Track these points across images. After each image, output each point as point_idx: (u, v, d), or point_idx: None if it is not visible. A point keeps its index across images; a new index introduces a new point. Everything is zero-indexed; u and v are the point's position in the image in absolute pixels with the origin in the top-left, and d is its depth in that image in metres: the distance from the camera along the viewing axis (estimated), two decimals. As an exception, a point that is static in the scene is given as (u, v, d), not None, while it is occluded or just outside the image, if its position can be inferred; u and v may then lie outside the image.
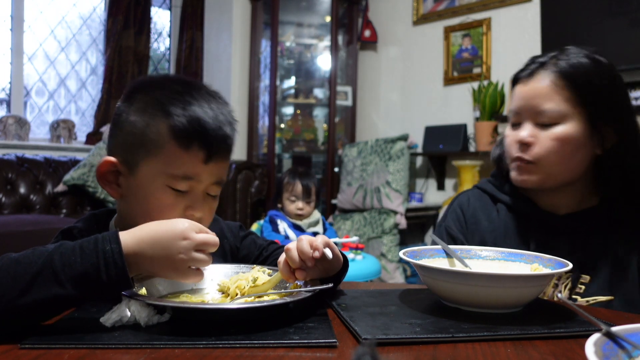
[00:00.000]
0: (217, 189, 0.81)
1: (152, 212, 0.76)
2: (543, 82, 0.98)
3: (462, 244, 1.09)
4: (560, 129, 0.97)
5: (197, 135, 0.75)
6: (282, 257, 0.77)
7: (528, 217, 1.06)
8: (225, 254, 0.96)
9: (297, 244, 0.75)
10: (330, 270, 0.81)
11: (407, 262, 0.84)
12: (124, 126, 0.78)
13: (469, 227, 1.11)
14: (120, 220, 0.84)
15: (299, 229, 2.57)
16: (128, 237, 0.65)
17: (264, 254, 1.01)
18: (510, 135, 1.03)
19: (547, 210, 1.04)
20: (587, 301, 0.96)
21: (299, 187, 2.59)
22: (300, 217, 2.62)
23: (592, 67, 1.00)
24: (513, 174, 1.03)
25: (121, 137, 0.79)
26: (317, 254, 0.74)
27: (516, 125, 1.03)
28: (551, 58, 1.02)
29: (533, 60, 1.04)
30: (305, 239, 0.76)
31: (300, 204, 2.60)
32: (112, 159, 0.78)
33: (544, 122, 0.98)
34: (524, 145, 0.99)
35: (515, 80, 1.05)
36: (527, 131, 0.99)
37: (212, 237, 0.69)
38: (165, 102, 0.76)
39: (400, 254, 0.83)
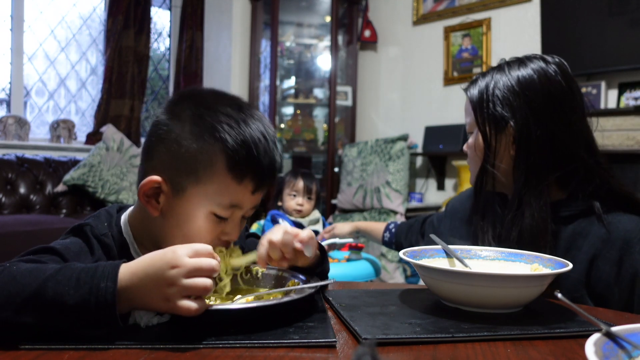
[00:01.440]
0: (252, 211, 0.81)
1: (191, 236, 0.76)
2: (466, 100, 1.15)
3: (435, 228, 1.22)
4: (472, 138, 1.12)
5: (251, 168, 0.74)
6: (265, 239, 0.79)
7: (493, 201, 1.10)
8: None
9: (281, 238, 0.78)
10: (301, 261, 0.82)
11: (407, 262, 0.84)
12: (172, 146, 0.75)
13: (446, 215, 1.25)
14: (139, 226, 0.82)
15: (300, 227, 2.58)
16: (125, 271, 0.62)
17: None
18: None
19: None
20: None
21: (300, 183, 2.62)
22: (300, 213, 2.62)
23: (487, 75, 1.10)
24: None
25: (169, 156, 0.76)
26: (299, 245, 0.78)
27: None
28: (472, 79, 1.15)
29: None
30: (292, 231, 0.79)
31: (300, 199, 2.61)
32: (157, 178, 0.75)
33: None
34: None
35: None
36: (468, 140, 1.14)
37: (205, 261, 0.62)
38: (220, 129, 0.73)
39: (400, 254, 0.83)
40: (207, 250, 0.64)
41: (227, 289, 0.78)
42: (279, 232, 0.78)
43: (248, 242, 1.02)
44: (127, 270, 0.62)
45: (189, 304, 0.61)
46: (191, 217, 0.76)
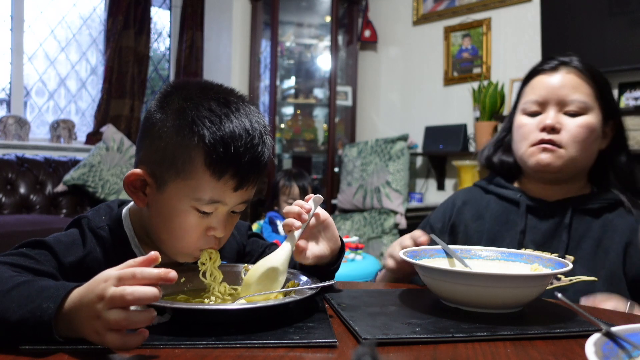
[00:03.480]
0: (242, 206, 0.80)
1: (175, 229, 0.77)
2: (569, 76, 1.05)
3: (439, 231, 1.17)
4: (586, 118, 1.03)
5: (230, 164, 0.73)
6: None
7: (517, 204, 1.11)
8: (232, 250, 0.97)
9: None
10: (330, 240, 0.84)
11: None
12: (155, 139, 0.75)
13: (453, 216, 1.18)
14: (139, 221, 0.83)
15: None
16: (73, 295, 0.58)
17: (267, 251, 1.02)
18: (530, 123, 1.07)
19: (537, 197, 1.10)
20: (571, 279, 1.00)
21: (295, 189, 2.60)
22: None
23: (600, 73, 1.09)
24: (537, 157, 1.05)
25: (152, 149, 0.76)
26: (309, 205, 0.80)
27: (535, 115, 1.07)
28: (567, 59, 1.09)
29: (550, 58, 1.11)
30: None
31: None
32: (139, 171, 0.76)
33: (570, 112, 1.04)
34: (552, 130, 1.03)
35: (534, 73, 1.11)
36: (555, 117, 1.04)
37: (120, 290, 0.55)
38: (201, 125, 0.72)
39: (401, 254, 0.83)
40: (130, 274, 0.56)
41: (221, 291, 0.78)
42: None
43: (250, 241, 1.02)
44: (75, 294, 0.58)
45: (115, 339, 0.54)
46: (174, 211, 0.75)
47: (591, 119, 1.03)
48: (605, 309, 0.83)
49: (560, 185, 1.08)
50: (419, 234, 0.95)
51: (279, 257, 0.77)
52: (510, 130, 1.16)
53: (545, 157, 1.04)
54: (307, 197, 0.83)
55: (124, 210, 0.85)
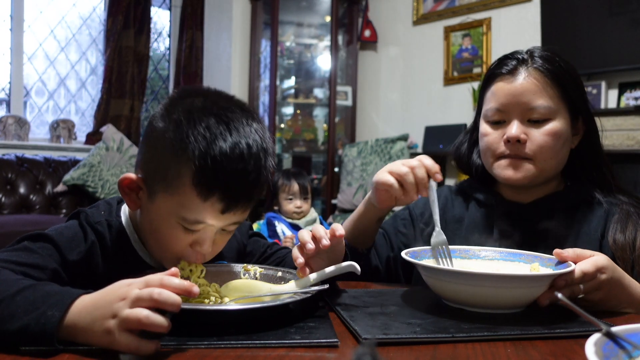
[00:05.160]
0: (234, 227, 0.78)
1: (160, 239, 0.76)
2: (529, 79, 0.97)
3: (418, 215, 1.12)
4: (553, 125, 0.97)
5: (218, 187, 0.70)
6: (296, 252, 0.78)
7: (493, 208, 1.07)
8: (232, 250, 0.97)
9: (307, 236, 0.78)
10: (335, 261, 0.82)
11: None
12: (152, 148, 0.74)
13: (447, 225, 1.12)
14: (135, 219, 0.83)
15: (297, 229, 2.57)
16: (80, 301, 0.58)
17: (268, 251, 1.02)
18: (493, 133, 1.01)
19: (512, 200, 1.06)
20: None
21: (295, 186, 2.60)
22: (299, 215, 2.62)
23: (566, 64, 1.01)
24: (503, 172, 1.00)
25: (147, 157, 0.75)
26: (325, 242, 0.76)
27: (498, 123, 1.01)
28: (526, 56, 1.02)
29: (507, 57, 1.04)
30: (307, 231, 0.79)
31: (298, 202, 2.61)
32: (134, 177, 0.75)
33: (535, 119, 0.97)
34: (517, 142, 0.97)
35: (491, 77, 1.03)
36: (518, 128, 0.97)
37: (146, 292, 0.56)
38: (193, 141, 0.69)
39: (403, 254, 0.83)
40: (157, 280, 0.58)
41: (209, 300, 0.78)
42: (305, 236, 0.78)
43: (252, 241, 1.02)
44: (81, 301, 0.58)
45: (129, 340, 0.54)
46: (161, 222, 0.74)
47: (558, 124, 0.97)
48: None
49: (535, 187, 1.03)
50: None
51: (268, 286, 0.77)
52: (474, 131, 1.12)
53: (512, 173, 0.98)
54: (331, 231, 0.78)
55: (123, 207, 0.85)
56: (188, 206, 0.71)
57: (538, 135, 0.96)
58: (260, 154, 0.73)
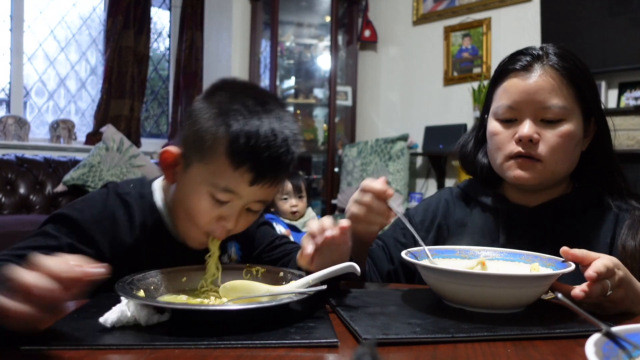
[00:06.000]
0: (259, 206, 0.83)
1: (189, 209, 0.82)
2: (545, 77, 0.94)
3: (418, 223, 1.10)
4: (567, 126, 0.93)
5: (248, 157, 0.76)
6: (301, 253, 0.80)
7: (498, 212, 1.04)
8: (240, 239, 0.98)
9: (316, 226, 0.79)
10: (339, 261, 0.81)
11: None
12: (192, 124, 0.81)
13: (439, 215, 1.10)
14: (167, 193, 0.90)
15: (294, 230, 2.57)
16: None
17: (276, 242, 1.04)
18: (504, 132, 0.97)
19: (518, 203, 1.03)
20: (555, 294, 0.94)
21: (288, 185, 2.60)
22: (295, 214, 2.61)
23: (580, 63, 0.98)
24: (514, 172, 0.96)
25: (188, 132, 0.81)
26: (330, 233, 0.77)
27: (509, 122, 0.97)
28: (541, 52, 0.98)
29: (520, 52, 1.00)
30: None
31: (293, 201, 2.60)
32: (174, 150, 0.82)
33: (548, 119, 0.94)
34: (529, 142, 0.93)
35: (503, 72, 1.00)
36: (531, 128, 0.93)
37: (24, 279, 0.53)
38: (232, 116, 0.77)
39: (403, 254, 0.83)
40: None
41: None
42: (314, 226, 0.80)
43: (261, 230, 1.03)
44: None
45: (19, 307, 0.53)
46: (192, 192, 0.80)
47: (571, 126, 0.94)
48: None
49: (542, 190, 1.01)
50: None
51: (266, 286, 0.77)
52: (480, 129, 1.09)
53: (522, 174, 0.95)
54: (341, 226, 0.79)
55: (156, 182, 0.92)
56: (220, 174, 0.77)
57: (551, 137, 0.93)
58: (290, 137, 0.80)
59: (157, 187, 0.92)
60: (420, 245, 0.88)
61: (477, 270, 0.85)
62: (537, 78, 0.94)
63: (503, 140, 0.98)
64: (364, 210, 0.89)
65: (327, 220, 0.79)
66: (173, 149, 0.83)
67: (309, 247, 0.77)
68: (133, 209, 0.88)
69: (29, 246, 0.77)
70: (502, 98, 0.98)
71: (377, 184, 0.88)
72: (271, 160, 0.78)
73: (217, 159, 0.77)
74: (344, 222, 0.78)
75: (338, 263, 0.78)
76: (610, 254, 0.94)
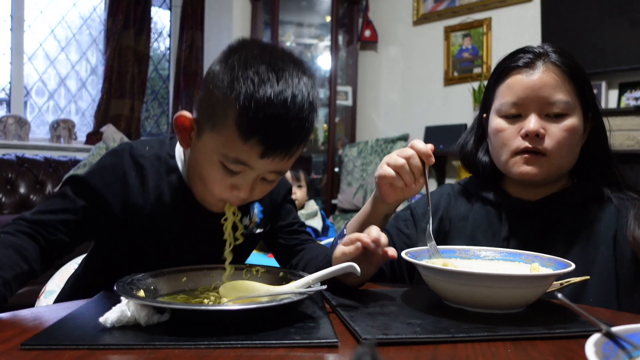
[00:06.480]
0: (274, 176, 0.80)
1: (203, 178, 0.81)
2: (548, 73, 0.96)
3: (420, 215, 1.11)
4: (571, 121, 0.96)
5: (258, 130, 0.72)
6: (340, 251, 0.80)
7: (500, 206, 1.05)
8: (265, 203, 0.96)
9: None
10: (364, 271, 0.81)
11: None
12: (206, 90, 0.78)
13: (441, 208, 1.11)
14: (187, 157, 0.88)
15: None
16: None
17: (295, 227, 1.03)
18: (509, 128, 0.99)
19: (519, 198, 1.04)
20: (561, 283, 0.92)
21: (287, 174, 2.60)
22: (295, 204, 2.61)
23: (577, 61, 1.01)
24: (521, 168, 0.97)
25: (201, 97, 0.79)
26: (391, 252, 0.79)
27: (514, 118, 0.98)
28: (542, 50, 1.01)
29: (521, 50, 1.02)
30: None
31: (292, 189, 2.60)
32: (187, 115, 0.79)
33: (553, 114, 0.96)
34: (535, 136, 0.95)
35: (505, 70, 1.01)
36: (537, 122, 0.95)
37: None
38: (242, 84, 0.72)
39: (403, 254, 0.83)
40: None
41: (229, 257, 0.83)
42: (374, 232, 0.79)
43: (287, 207, 1.03)
44: None
45: None
46: (204, 160, 0.79)
47: (575, 120, 0.96)
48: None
49: (544, 185, 1.02)
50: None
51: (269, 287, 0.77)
52: (479, 128, 1.10)
53: (529, 169, 0.96)
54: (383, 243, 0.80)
55: (177, 145, 0.90)
56: (229, 146, 0.74)
57: (557, 131, 0.95)
58: (304, 106, 0.75)
59: (180, 148, 0.89)
60: (430, 234, 0.90)
61: (476, 270, 0.85)
62: (541, 74, 0.96)
63: (509, 137, 0.99)
64: (400, 164, 0.91)
65: (379, 232, 0.79)
66: (187, 113, 0.79)
67: (364, 239, 0.77)
68: (147, 171, 0.86)
69: (48, 209, 0.82)
70: (506, 95, 0.99)
71: (424, 145, 0.92)
72: (282, 132, 0.73)
73: (227, 130, 0.73)
74: (391, 251, 0.79)
75: (364, 272, 0.79)
76: (613, 245, 0.96)
